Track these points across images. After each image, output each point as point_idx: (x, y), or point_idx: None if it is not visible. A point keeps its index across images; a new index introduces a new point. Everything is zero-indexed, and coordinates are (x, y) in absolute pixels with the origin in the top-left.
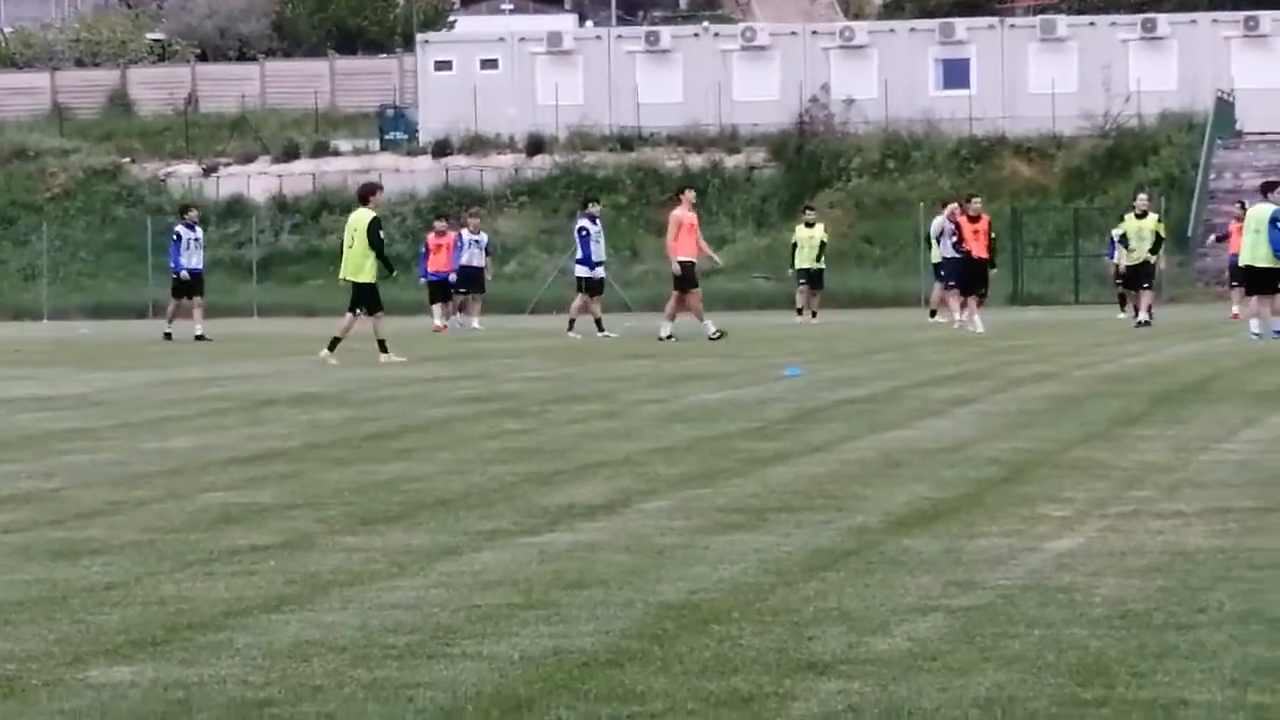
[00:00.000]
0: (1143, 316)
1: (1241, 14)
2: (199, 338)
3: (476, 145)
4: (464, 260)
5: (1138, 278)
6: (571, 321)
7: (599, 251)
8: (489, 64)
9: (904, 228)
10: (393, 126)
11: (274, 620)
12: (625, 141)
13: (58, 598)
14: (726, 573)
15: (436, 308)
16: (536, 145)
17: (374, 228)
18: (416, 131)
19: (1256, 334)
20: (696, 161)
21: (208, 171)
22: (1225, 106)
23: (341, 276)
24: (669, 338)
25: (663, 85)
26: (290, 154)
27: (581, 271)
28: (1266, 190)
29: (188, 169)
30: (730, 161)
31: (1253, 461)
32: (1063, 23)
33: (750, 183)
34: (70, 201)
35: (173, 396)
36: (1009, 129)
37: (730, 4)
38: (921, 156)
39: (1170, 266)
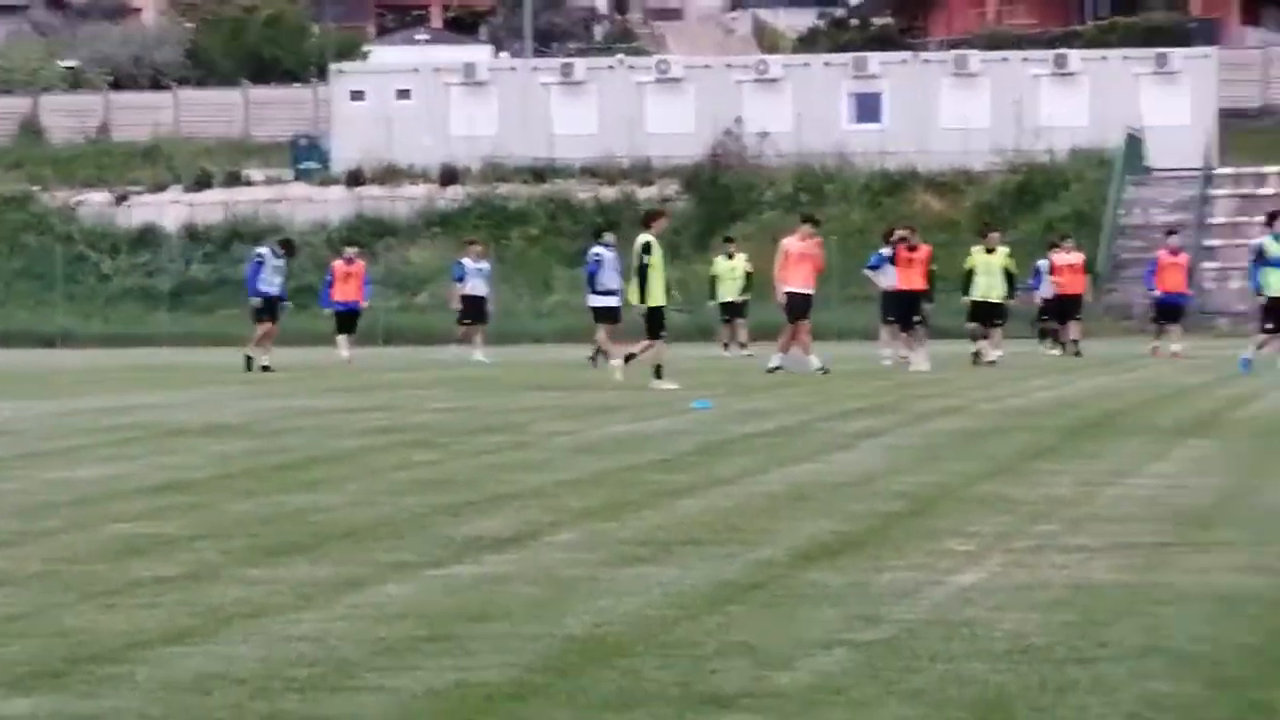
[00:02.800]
0: (990, 355)
1: (1153, 51)
2: (265, 368)
3: (389, 175)
4: (468, 289)
5: (987, 315)
6: (597, 351)
7: (611, 279)
8: (403, 94)
9: None
10: (306, 156)
11: (175, 652)
12: (538, 173)
13: None
14: (631, 605)
15: (342, 339)
16: (450, 176)
17: (640, 251)
18: (329, 161)
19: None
20: (610, 193)
21: (119, 200)
22: (1135, 143)
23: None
24: (777, 369)
25: (577, 117)
26: (202, 183)
27: (593, 301)
28: (1271, 219)
29: (99, 197)
30: (643, 193)
31: (1158, 496)
32: (975, 58)
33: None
34: None
35: (80, 425)
36: (920, 163)
37: (645, 37)
38: (834, 190)
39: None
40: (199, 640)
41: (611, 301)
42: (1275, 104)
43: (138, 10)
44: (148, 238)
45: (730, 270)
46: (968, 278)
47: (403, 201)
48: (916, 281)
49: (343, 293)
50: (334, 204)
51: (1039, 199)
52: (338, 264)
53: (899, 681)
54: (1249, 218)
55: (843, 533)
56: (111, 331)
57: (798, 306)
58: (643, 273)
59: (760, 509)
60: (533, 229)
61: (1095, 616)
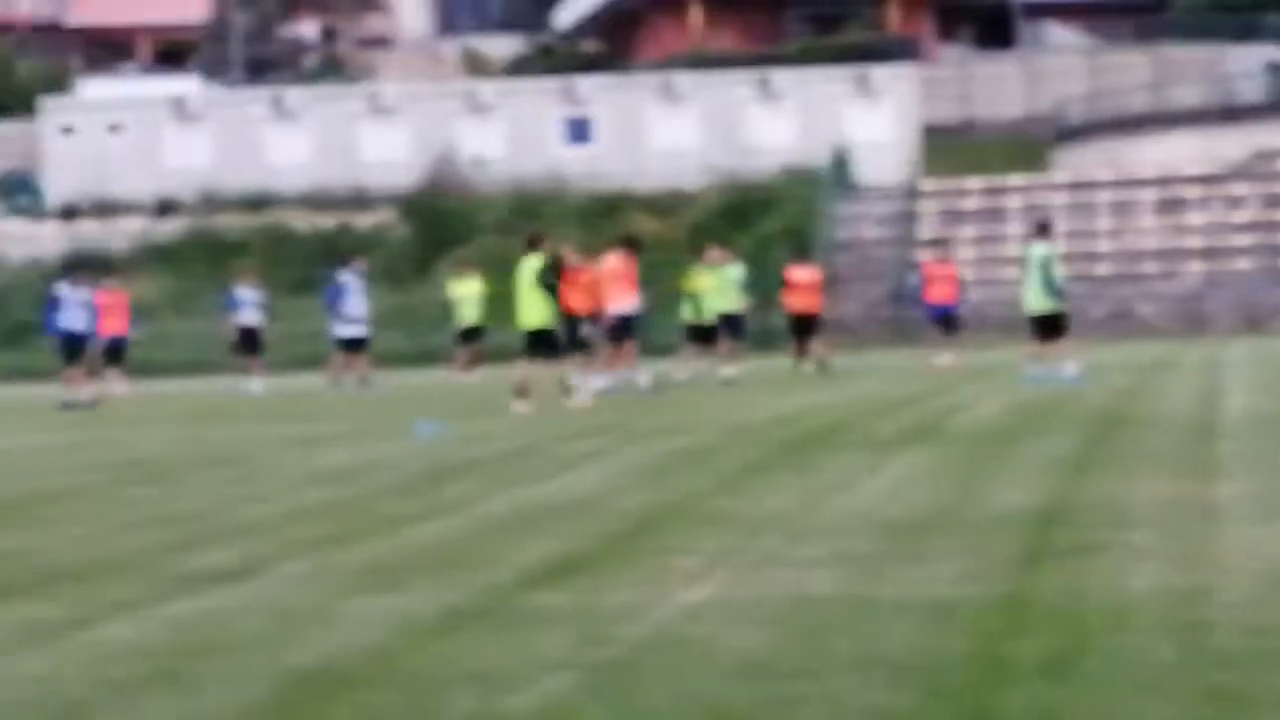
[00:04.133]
0: (726, 373)
1: (854, 69)
2: (87, 405)
3: (105, 210)
4: (242, 320)
5: (711, 335)
6: (336, 381)
7: (358, 307)
8: (115, 128)
9: None
10: (17, 192)
11: None
12: (254, 203)
13: None
14: (360, 636)
15: (114, 372)
16: (165, 208)
17: (541, 274)
18: (41, 197)
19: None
20: (327, 222)
21: None
22: (841, 160)
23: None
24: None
25: (290, 147)
26: None
27: (340, 330)
28: (1040, 231)
29: None
30: (361, 221)
31: (875, 508)
32: (683, 80)
33: (382, 243)
34: None
35: None
36: (633, 184)
37: (355, 66)
38: (550, 212)
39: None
40: None
41: (357, 331)
42: (974, 118)
43: None
44: None
45: (468, 295)
46: (694, 299)
47: (119, 235)
48: (580, 303)
49: (110, 325)
50: (48, 240)
51: (751, 217)
52: (99, 295)
53: (627, 702)
54: (954, 231)
55: (569, 554)
56: None
57: (624, 327)
58: (552, 291)
59: (487, 533)
60: (252, 259)
61: (816, 629)
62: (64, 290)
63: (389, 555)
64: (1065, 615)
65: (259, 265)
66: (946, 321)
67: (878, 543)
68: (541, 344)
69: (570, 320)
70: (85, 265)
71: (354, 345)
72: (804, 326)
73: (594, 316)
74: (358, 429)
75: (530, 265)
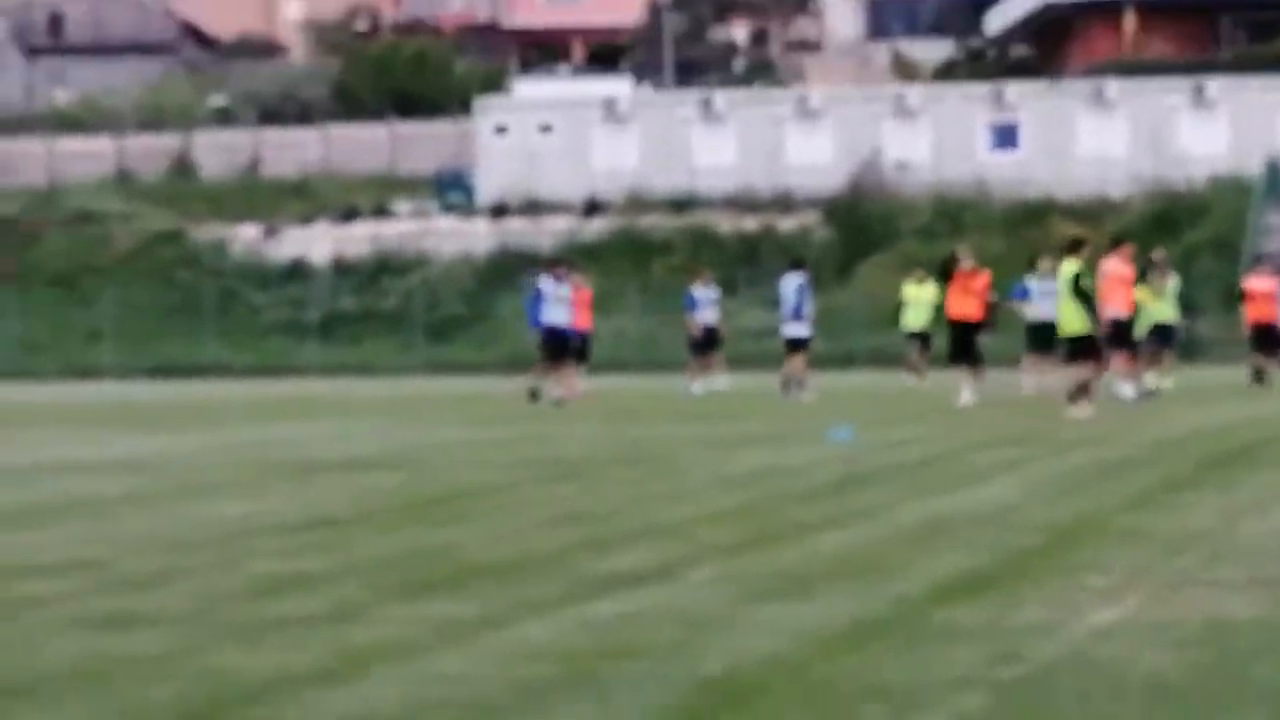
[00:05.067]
0: (1154, 384)
1: None
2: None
3: (533, 208)
4: (702, 319)
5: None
6: (785, 384)
7: (807, 309)
8: (546, 128)
9: None
10: (450, 189)
11: (319, 694)
12: (679, 204)
13: (106, 670)
14: (769, 644)
15: (578, 369)
16: (592, 208)
17: (1073, 279)
18: (473, 194)
19: None
20: (751, 224)
21: (268, 234)
22: (1274, 170)
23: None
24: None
25: (717, 149)
26: (350, 216)
27: (790, 330)
28: None
29: (249, 232)
30: (784, 224)
31: None
32: (1113, 86)
33: (805, 245)
34: (133, 264)
35: (226, 460)
36: (1058, 191)
37: (784, 69)
38: (972, 218)
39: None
40: (343, 681)
41: (802, 331)
42: None
43: (285, 48)
44: (297, 271)
45: (918, 298)
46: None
47: (546, 234)
48: (972, 309)
49: (578, 321)
50: (478, 237)
51: (1178, 226)
52: (571, 290)
53: None
54: None
55: (979, 568)
56: (262, 363)
57: (1119, 334)
58: (1085, 299)
59: (898, 543)
60: (675, 259)
61: (1233, 655)
62: (547, 284)
63: (799, 562)
64: None
65: (683, 265)
66: None
67: None
68: (1080, 349)
69: (957, 327)
70: (559, 261)
71: (797, 345)
72: (1265, 337)
73: (985, 323)
74: (772, 431)
75: (1068, 270)
